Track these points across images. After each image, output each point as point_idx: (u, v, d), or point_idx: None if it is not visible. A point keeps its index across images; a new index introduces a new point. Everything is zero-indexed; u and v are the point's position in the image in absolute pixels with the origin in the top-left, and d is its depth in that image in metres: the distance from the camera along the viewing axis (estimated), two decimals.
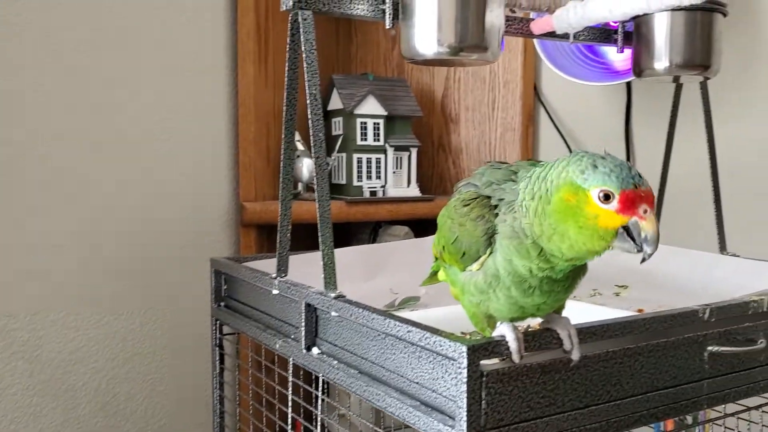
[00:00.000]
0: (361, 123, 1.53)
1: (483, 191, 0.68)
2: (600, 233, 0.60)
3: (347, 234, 1.76)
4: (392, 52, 1.83)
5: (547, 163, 0.64)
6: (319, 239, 0.83)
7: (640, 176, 0.59)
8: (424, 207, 1.59)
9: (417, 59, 0.88)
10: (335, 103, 1.57)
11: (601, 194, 0.59)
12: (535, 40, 1.51)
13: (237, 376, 1.20)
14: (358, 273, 1.28)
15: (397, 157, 1.59)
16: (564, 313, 0.71)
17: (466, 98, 1.74)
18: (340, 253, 1.28)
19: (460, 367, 0.62)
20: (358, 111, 1.53)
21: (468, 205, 0.68)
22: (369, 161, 1.56)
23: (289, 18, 0.87)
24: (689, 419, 1.00)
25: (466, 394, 0.61)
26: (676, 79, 1.14)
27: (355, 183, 1.55)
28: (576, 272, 0.68)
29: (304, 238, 1.34)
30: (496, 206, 0.67)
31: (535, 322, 0.77)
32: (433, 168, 1.82)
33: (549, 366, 0.66)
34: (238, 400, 1.22)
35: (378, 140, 1.56)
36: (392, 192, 1.58)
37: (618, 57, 1.45)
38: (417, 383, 0.69)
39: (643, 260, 0.60)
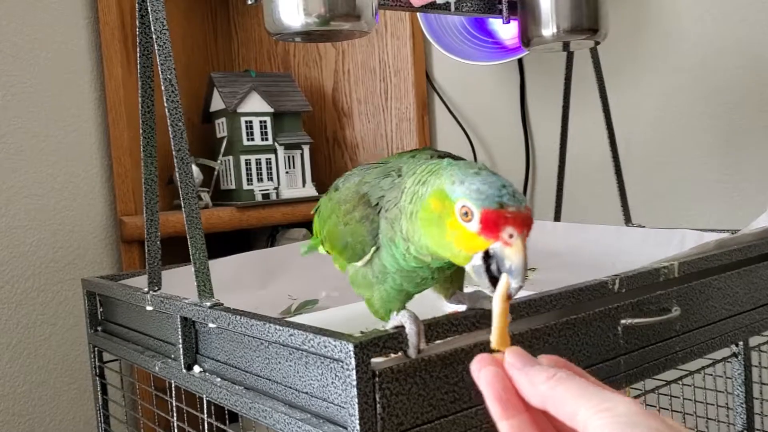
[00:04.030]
0: (246, 122, 1.43)
1: (360, 188, 0.63)
2: (456, 252, 0.52)
3: (246, 241, 1.66)
4: (276, 48, 1.74)
5: (438, 163, 0.57)
6: (189, 243, 0.73)
7: (513, 195, 0.50)
8: None
9: (284, 33, 0.79)
10: (217, 103, 1.47)
11: (462, 210, 0.50)
12: (422, 24, 1.45)
13: (126, 409, 1.08)
14: (253, 280, 1.18)
15: (288, 156, 1.50)
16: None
17: (358, 90, 1.67)
18: (232, 260, 1.19)
19: (347, 369, 0.53)
20: (241, 109, 1.43)
21: (350, 203, 0.63)
22: (259, 162, 1.46)
23: None
24: None
25: (356, 399, 0.53)
26: (566, 47, 1.10)
27: (246, 187, 1.44)
28: None
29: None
30: (377, 204, 0.61)
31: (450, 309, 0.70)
32: (329, 165, 1.74)
33: (451, 357, 0.58)
34: None
35: (266, 139, 1.46)
36: (287, 193, 1.48)
37: (508, 35, 1.41)
38: (306, 393, 0.61)
39: (510, 297, 0.50)
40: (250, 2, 0.82)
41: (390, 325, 0.59)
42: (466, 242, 0.51)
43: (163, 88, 0.74)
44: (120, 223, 1.31)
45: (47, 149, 1.25)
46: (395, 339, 0.56)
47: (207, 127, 1.55)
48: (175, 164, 0.73)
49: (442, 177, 0.53)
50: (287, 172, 1.49)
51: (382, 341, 0.55)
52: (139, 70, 0.80)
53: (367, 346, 0.54)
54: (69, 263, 1.26)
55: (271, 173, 1.47)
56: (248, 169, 1.44)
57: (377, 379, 0.54)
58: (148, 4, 0.75)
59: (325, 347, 0.55)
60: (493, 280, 0.50)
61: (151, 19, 0.75)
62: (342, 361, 0.54)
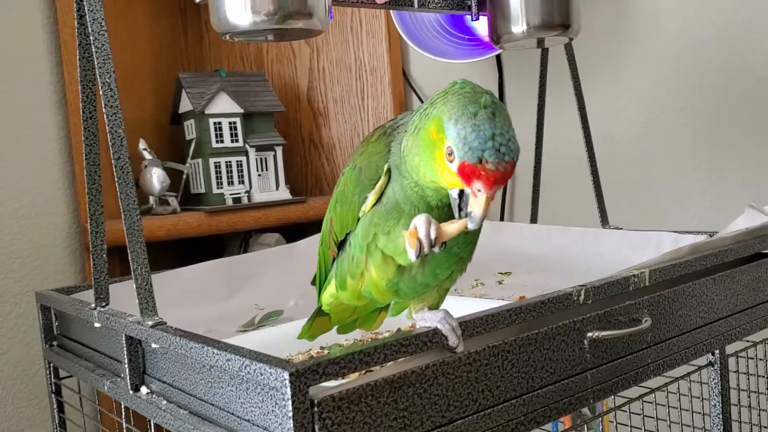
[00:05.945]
0: (215, 123, 1.39)
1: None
2: (438, 179, 0.56)
3: (218, 247, 1.61)
4: (248, 46, 1.70)
5: (453, 84, 0.59)
6: (129, 257, 0.69)
7: (498, 150, 0.52)
8: (295, 210, 1.46)
9: (232, 32, 0.75)
10: (185, 104, 1.42)
11: (448, 150, 0.54)
12: (395, 21, 1.40)
13: (84, 429, 1.03)
14: (220, 290, 1.14)
15: (260, 158, 1.45)
16: (443, 307, 0.62)
17: (333, 90, 1.62)
18: (198, 268, 1.15)
19: (284, 398, 0.49)
20: (209, 110, 1.38)
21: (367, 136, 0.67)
22: (229, 165, 1.41)
23: None
24: (586, 412, 0.91)
25: (292, 431, 0.49)
26: (540, 44, 1.06)
27: (215, 190, 1.40)
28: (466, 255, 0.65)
29: (158, 257, 1.18)
30: (396, 129, 0.63)
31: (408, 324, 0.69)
32: (306, 167, 1.70)
33: (400, 380, 0.54)
34: None
35: (236, 141, 1.42)
36: (259, 197, 1.44)
37: (486, 31, 1.37)
38: (247, 420, 0.57)
39: (466, 229, 0.57)
40: (197, 1, 0.77)
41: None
42: (446, 176, 0.55)
43: (101, 92, 0.70)
44: (84, 231, 1.27)
45: (4, 155, 1.21)
46: (337, 364, 0.52)
47: (176, 129, 1.50)
48: (114, 173, 0.69)
49: (447, 105, 0.55)
50: (260, 175, 1.45)
51: (321, 367, 0.51)
52: (79, 74, 0.76)
53: (305, 374, 0.50)
54: (28, 273, 1.22)
55: (242, 176, 1.43)
56: (218, 172, 1.40)
57: (316, 408, 0.50)
58: (85, 3, 0.71)
59: (261, 374, 0.51)
60: (461, 212, 0.56)
61: (88, 20, 0.71)
62: (278, 390, 0.50)
